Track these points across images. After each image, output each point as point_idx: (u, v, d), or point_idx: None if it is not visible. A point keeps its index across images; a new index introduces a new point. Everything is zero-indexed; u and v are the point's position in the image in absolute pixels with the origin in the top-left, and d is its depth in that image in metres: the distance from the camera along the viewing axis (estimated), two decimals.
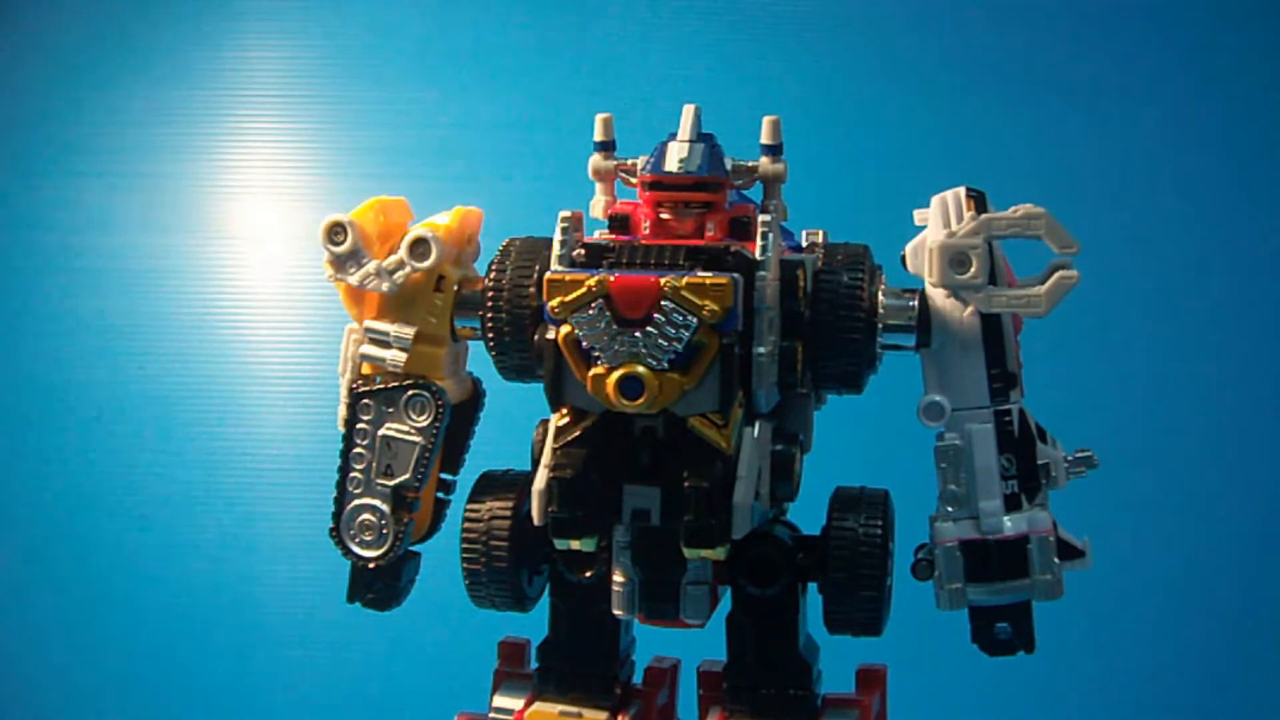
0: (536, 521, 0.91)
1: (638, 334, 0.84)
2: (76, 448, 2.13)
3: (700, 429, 0.86)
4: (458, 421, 1.03)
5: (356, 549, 1.00)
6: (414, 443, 0.99)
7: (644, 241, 0.91)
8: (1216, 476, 2.00)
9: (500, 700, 1.04)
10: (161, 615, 2.08)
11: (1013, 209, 0.92)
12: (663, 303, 0.83)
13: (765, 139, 0.97)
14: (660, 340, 0.84)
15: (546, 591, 1.02)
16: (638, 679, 1.06)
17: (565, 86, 2.08)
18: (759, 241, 0.89)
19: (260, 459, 2.09)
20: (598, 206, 0.99)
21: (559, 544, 0.90)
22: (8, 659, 2.11)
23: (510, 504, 0.99)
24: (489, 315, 0.97)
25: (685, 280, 0.84)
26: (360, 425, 1.00)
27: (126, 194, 2.17)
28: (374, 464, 1.00)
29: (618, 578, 0.92)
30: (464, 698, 1.07)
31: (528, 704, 1.02)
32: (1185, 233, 2.01)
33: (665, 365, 0.84)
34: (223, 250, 2.17)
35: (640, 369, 0.83)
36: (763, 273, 0.88)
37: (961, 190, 0.94)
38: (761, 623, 0.98)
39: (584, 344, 0.85)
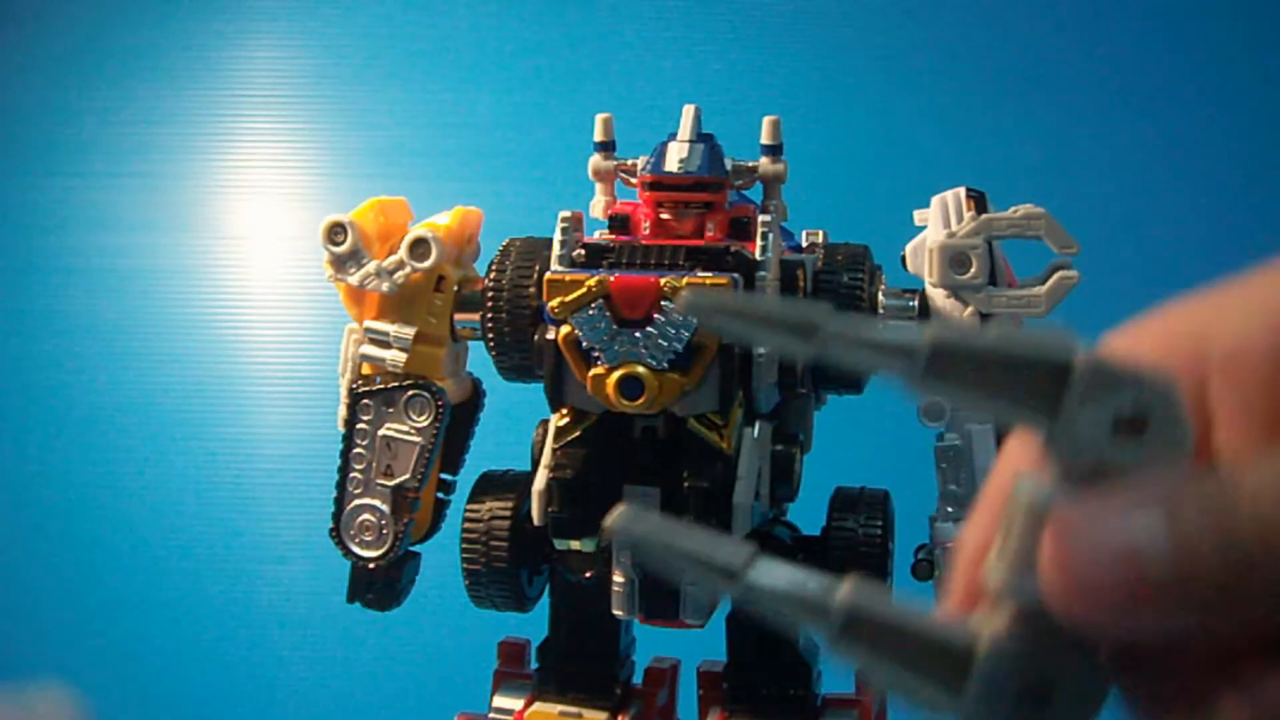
0: (536, 522, 0.91)
1: (638, 334, 0.84)
2: (75, 448, 2.13)
3: (700, 429, 0.86)
4: (458, 421, 1.03)
5: (356, 549, 1.00)
6: (414, 443, 0.99)
7: (644, 242, 0.91)
8: None
9: (500, 700, 1.04)
10: (160, 615, 2.08)
11: (1013, 209, 0.92)
12: (663, 303, 0.83)
13: (765, 139, 0.97)
14: (660, 340, 0.84)
15: (546, 592, 1.02)
16: (638, 679, 1.06)
17: (565, 86, 2.08)
18: (759, 242, 0.89)
19: (260, 459, 2.09)
20: (598, 207, 0.99)
21: (559, 544, 0.90)
22: (6, 660, 2.11)
23: (510, 504, 0.99)
24: (489, 315, 0.97)
25: (685, 280, 0.84)
26: (360, 425, 1.00)
27: (126, 194, 2.17)
28: (374, 464, 1.00)
29: (618, 578, 0.92)
30: (464, 698, 1.07)
31: (527, 704, 1.02)
32: (1186, 233, 2.01)
33: (665, 365, 0.84)
34: (223, 250, 2.17)
35: (640, 369, 0.84)
36: (763, 273, 0.88)
37: (961, 190, 0.94)
38: (762, 623, 0.97)
39: (584, 344, 0.85)
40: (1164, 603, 0.31)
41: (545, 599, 1.02)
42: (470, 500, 1.00)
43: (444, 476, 1.05)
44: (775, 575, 0.34)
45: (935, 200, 0.94)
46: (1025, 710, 0.33)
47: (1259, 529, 0.30)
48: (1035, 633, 0.33)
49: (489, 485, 1.01)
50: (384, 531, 1.00)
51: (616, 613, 0.94)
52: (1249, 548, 0.30)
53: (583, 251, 0.90)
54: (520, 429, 0.96)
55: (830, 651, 0.34)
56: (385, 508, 1.00)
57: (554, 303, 0.85)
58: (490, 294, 0.97)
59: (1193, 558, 0.30)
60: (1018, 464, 0.36)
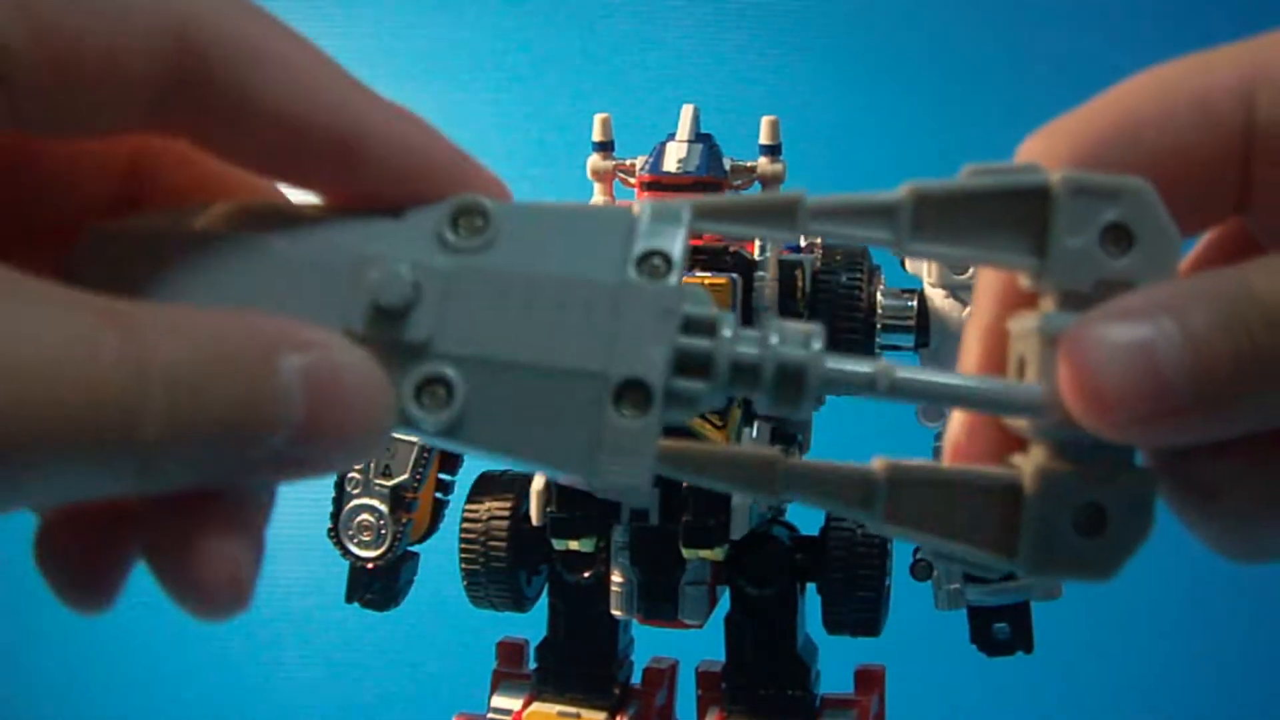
0: (535, 521, 0.90)
1: None
2: None
3: (699, 429, 0.86)
4: None
5: (355, 549, 1.00)
6: (412, 443, 0.99)
7: None
8: None
9: (498, 700, 1.04)
10: (158, 616, 2.08)
11: None
12: None
13: (764, 139, 0.97)
14: None
15: (545, 592, 1.02)
16: (636, 679, 1.06)
17: (563, 86, 2.08)
18: (757, 242, 0.89)
19: None
20: None
21: (557, 544, 0.90)
22: (4, 659, 2.11)
23: (508, 504, 0.99)
24: None
25: (683, 280, 0.84)
26: None
27: None
28: (372, 464, 1.00)
29: (616, 578, 0.92)
30: (462, 698, 1.07)
31: (526, 704, 1.02)
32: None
33: None
34: None
35: None
36: (761, 273, 0.88)
37: None
38: (760, 623, 0.98)
39: None
40: (1186, 401, 0.30)
41: (544, 599, 1.02)
42: (468, 500, 1.00)
43: (442, 476, 1.05)
44: (805, 463, 0.33)
45: None
46: (1083, 538, 0.32)
47: (1269, 326, 0.29)
48: (1073, 460, 0.32)
49: (487, 485, 1.01)
50: (382, 531, 1.00)
51: (615, 613, 0.94)
52: (1261, 342, 0.29)
53: None
54: None
55: (879, 523, 0.33)
56: (384, 508, 0.99)
57: None
58: None
59: (1207, 353, 0.29)
60: (995, 310, 0.36)
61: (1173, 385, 0.29)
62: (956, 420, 0.36)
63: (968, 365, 0.37)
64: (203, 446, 0.27)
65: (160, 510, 0.29)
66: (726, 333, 0.32)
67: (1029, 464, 0.33)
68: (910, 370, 0.32)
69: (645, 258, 0.32)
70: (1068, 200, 0.32)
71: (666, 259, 0.32)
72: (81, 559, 0.31)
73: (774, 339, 0.32)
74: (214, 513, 0.29)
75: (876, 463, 0.33)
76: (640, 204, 0.33)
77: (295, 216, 0.32)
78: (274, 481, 0.31)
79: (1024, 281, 0.34)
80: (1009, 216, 0.33)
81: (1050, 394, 0.32)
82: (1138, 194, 0.32)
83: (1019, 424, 0.33)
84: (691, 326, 0.32)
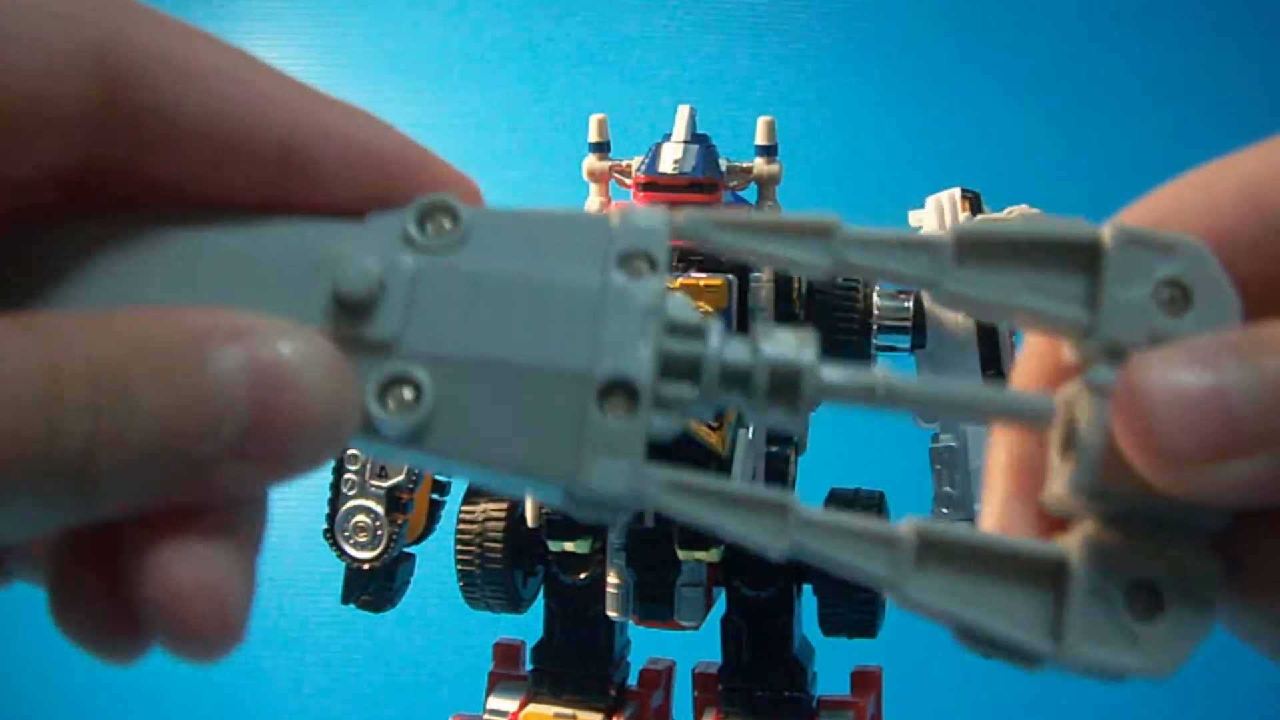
0: (531, 523, 0.90)
1: None
2: None
3: (694, 431, 0.86)
4: None
5: (351, 550, 1.00)
6: None
7: None
8: None
9: (495, 702, 1.04)
10: None
11: (1008, 210, 0.91)
12: None
13: (760, 140, 0.96)
14: None
15: (541, 593, 1.02)
16: (633, 680, 1.06)
17: (560, 87, 2.08)
18: None
19: None
20: (592, 207, 0.99)
21: (553, 545, 0.90)
22: (3, 659, 2.11)
23: (505, 505, 0.99)
24: None
25: (679, 281, 0.84)
26: None
27: None
28: (368, 465, 0.99)
29: (612, 579, 0.92)
30: (459, 699, 1.07)
31: (522, 705, 1.02)
32: None
33: None
34: None
35: None
36: (757, 274, 0.88)
37: (956, 191, 0.93)
38: (756, 625, 0.98)
39: None
40: (1259, 444, 0.27)
41: (540, 600, 1.02)
42: (465, 501, 1.00)
43: (439, 478, 1.05)
44: (823, 513, 0.30)
45: (930, 201, 0.94)
46: (1138, 620, 0.29)
47: None
48: (1127, 533, 0.29)
49: (484, 487, 1.01)
50: (378, 533, 0.99)
51: (611, 614, 0.94)
52: None
53: None
54: None
55: (900, 592, 0.30)
56: (379, 509, 0.99)
57: None
58: None
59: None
60: (1040, 380, 0.33)
61: (1246, 425, 0.27)
62: (991, 508, 0.33)
63: (993, 497, 0.34)
64: (139, 453, 0.24)
65: (133, 532, 0.26)
66: (714, 339, 0.29)
67: (1077, 536, 0.30)
68: (909, 378, 0.31)
69: (627, 257, 0.29)
70: (1120, 251, 0.30)
71: (649, 258, 0.29)
72: (97, 615, 0.28)
73: (766, 345, 0.29)
74: (188, 520, 0.26)
75: (905, 524, 0.30)
76: (618, 210, 0.31)
77: (248, 216, 0.30)
78: (234, 493, 0.27)
79: (1067, 352, 0.31)
80: (1057, 268, 0.30)
81: (1102, 451, 0.29)
82: (1192, 250, 0.30)
83: (1063, 500, 0.30)
84: (677, 331, 0.29)
